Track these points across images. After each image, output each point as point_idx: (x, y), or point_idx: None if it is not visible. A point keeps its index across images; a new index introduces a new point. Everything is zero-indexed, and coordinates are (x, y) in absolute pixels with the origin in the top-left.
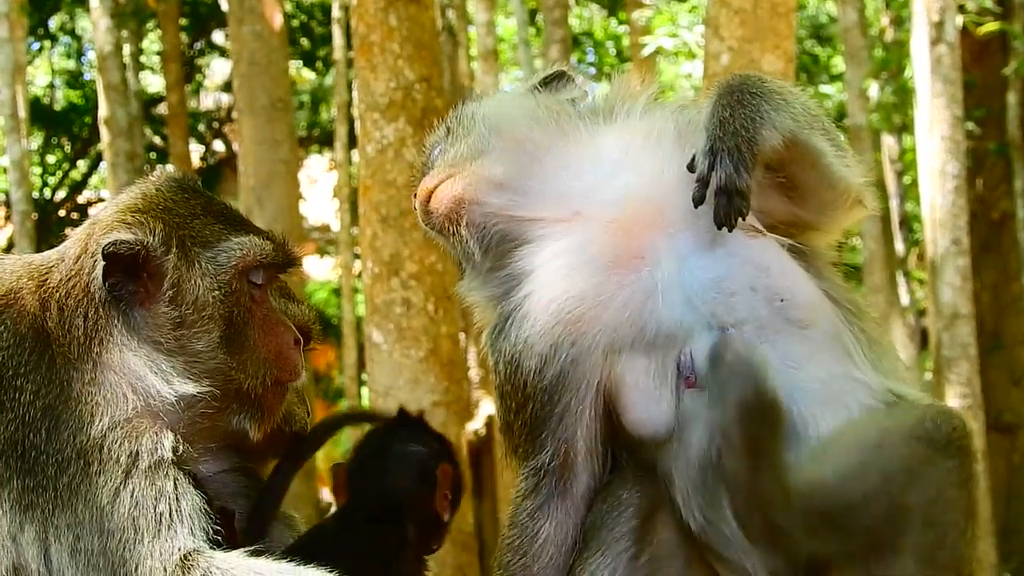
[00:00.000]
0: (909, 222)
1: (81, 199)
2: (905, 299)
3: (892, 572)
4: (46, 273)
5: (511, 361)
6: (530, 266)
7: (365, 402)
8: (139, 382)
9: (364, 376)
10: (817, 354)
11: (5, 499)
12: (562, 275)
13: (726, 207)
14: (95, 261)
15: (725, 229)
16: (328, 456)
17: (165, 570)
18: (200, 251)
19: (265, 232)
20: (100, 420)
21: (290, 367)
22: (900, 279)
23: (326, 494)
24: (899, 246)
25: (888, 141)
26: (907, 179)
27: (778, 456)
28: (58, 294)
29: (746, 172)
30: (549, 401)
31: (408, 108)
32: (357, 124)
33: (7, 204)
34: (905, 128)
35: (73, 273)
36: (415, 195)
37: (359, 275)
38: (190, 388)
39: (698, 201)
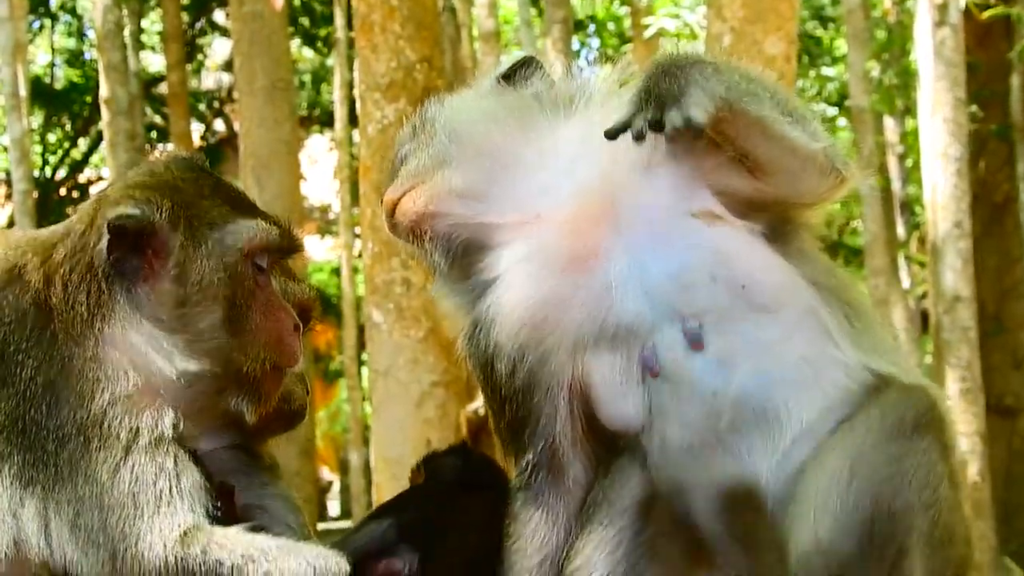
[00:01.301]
0: (911, 205)
1: (81, 178)
2: (906, 282)
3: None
4: (51, 248)
5: (484, 366)
6: (495, 272)
7: (364, 383)
8: (140, 359)
9: (364, 356)
10: (788, 338)
11: (5, 474)
12: (523, 280)
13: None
14: (101, 235)
15: (683, 217)
16: (326, 435)
17: (165, 546)
18: (207, 231)
19: (271, 217)
20: (101, 396)
21: (289, 353)
22: (901, 262)
23: (326, 473)
24: (900, 229)
25: (890, 124)
26: (909, 162)
27: (770, 536)
28: (62, 269)
29: (677, 109)
30: (525, 402)
31: (409, 88)
32: (358, 104)
33: (8, 183)
34: (907, 111)
35: (78, 248)
36: (381, 203)
37: (359, 255)
38: (191, 366)
39: (610, 133)
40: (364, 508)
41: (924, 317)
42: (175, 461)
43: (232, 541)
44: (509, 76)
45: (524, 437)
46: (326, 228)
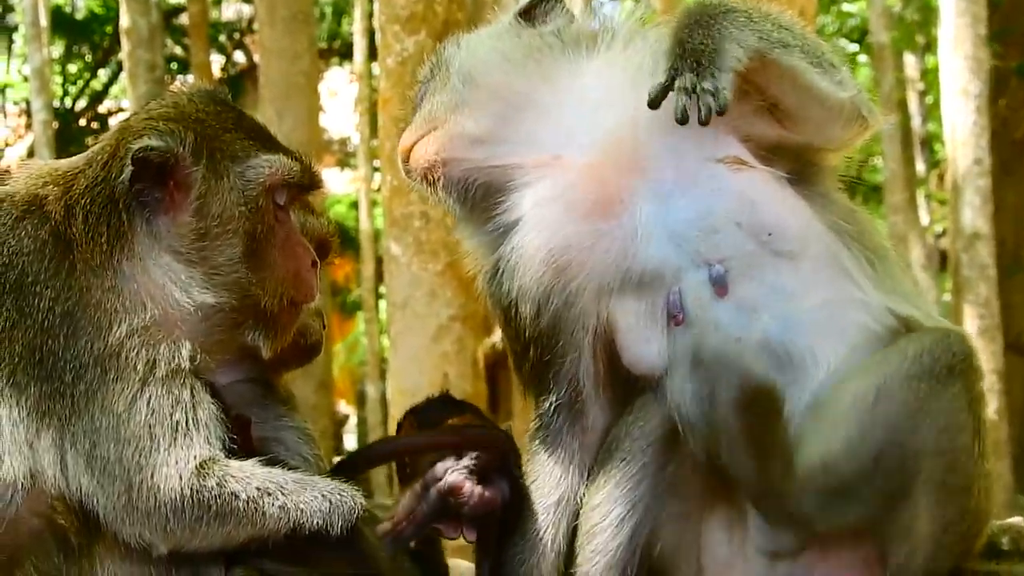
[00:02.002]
0: (930, 142)
1: (101, 108)
2: (925, 219)
3: (910, 514)
4: (72, 179)
5: (507, 308)
6: (516, 214)
7: (382, 316)
8: (158, 291)
9: (382, 289)
10: (812, 283)
11: (23, 405)
12: (547, 223)
13: (688, 102)
14: (124, 165)
15: (708, 163)
16: (343, 368)
17: (181, 478)
18: (229, 165)
19: (293, 152)
20: (119, 327)
21: (306, 288)
22: (920, 199)
23: (343, 406)
24: (920, 166)
25: (910, 60)
26: (929, 99)
27: (782, 443)
28: (83, 200)
29: (711, 76)
30: (549, 345)
31: (429, 20)
32: (378, 36)
33: (28, 113)
34: (928, 47)
35: (100, 179)
36: (399, 147)
37: (378, 188)
38: (208, 298)
39: (654, 103)
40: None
41: (943, 255)
42: (192, 393)
43: (248, 474)
44: (528, 13)
45: (547, 379)
46: (345, 161)
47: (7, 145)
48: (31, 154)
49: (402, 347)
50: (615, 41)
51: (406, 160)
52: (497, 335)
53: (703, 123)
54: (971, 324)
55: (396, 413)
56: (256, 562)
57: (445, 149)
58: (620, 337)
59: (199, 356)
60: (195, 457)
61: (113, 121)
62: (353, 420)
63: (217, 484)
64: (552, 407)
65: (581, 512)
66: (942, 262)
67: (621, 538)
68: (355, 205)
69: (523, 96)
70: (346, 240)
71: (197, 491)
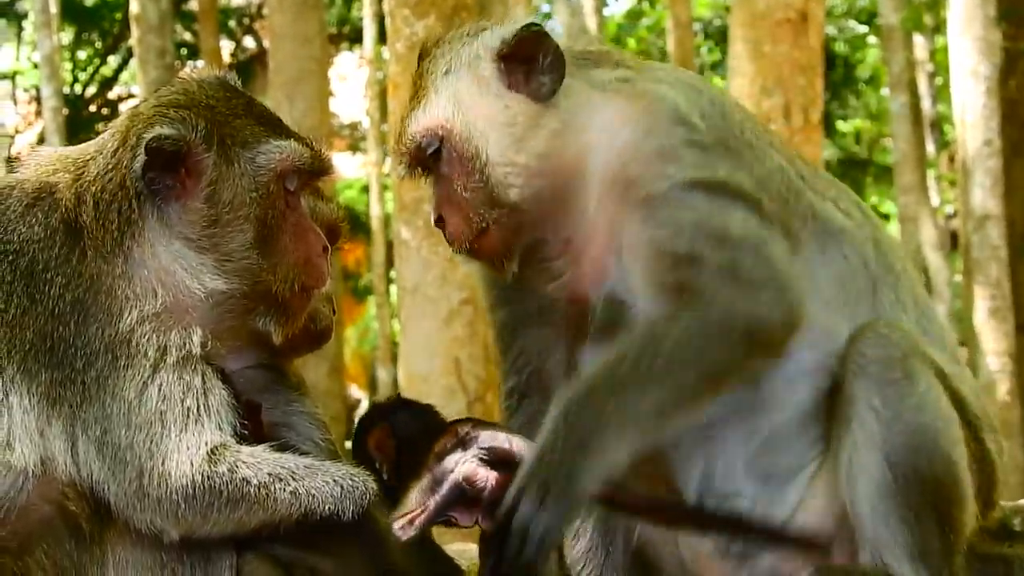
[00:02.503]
0: (940, 123)
1: (111, 95)
2: (935, 200)
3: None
4: (83, 166)
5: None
6: None
7: (393, 300)
8: (169, 277)
9: (393, 273)
10: None
11: (33, 393)
12: None
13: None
14: (135, 155)
15: None
16: (355, 352)
17: (192, 464)
18: (240, 151)
19: (303, 138)
20: (129, 314)
21: (317, 274)
22: (931, 181)
23: (355, 390)
24: (930, 147)
25: (920, 41)
26: (939, 80)
27: None
28: (94, 188)
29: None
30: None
31: (438, 4)
32: (387, 20)
33: (38, 100)
34: (937, 28)
35: (111, 167)
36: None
37: (388, 172)
38: (220, 284)
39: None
40: None
41: (954, 235)
42: (203, 379)
43: (259, 460)
44: (510, 56)
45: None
46: (355, 145)
47: (17, 132)
48: (41, 141)
49: (413, 331)
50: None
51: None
52: None
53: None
54: (982, 305)
55: (408, 396)
56: (267, 548)
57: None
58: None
59: (210, 342)
60: (206, 443)
61: (123, 107)
62: (365, 405)
63: (228, 470)
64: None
65: None
66: (953, 243)
67: (591, 522)
68: (366, 189)
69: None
70: (357, 225)
71: (208, 477)
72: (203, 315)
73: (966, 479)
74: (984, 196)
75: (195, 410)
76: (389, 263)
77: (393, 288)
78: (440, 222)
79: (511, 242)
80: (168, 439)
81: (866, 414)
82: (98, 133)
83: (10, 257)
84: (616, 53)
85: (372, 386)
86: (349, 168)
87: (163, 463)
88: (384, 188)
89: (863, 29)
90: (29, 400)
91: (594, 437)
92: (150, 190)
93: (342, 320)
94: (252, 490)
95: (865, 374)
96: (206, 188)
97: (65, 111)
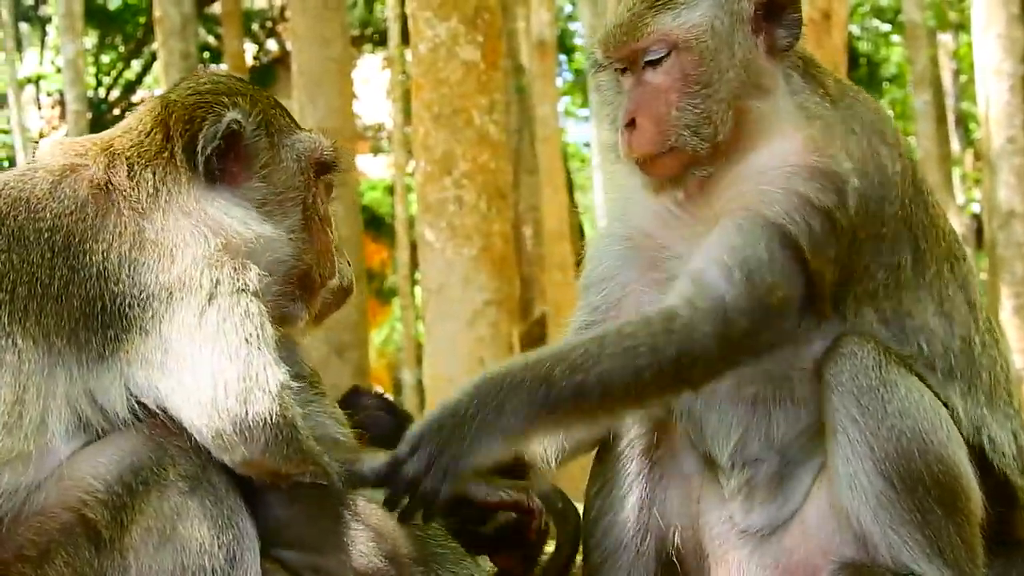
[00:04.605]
0: (965, 121)
1: (135, 98)
2: (960, 198)
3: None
4: (108, 143)
5: None
6: None
7: (417, 302)
8: (217, 224)
9: (417, 275)
10: None
11: (83, 362)
12: None
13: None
14: (190, 137)
15: None
16: (380, 354)
17: (270, 393)
18: (282, 138)
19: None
20: (183, 258)
21: (335, 266)
22: (955, 178)
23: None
24: (955, 145)
25: (944, 39)
26: (963, 78)
27: None
28: (128, 153)
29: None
30: None
31: (460, 6)
32: (410, 22)
33: (62, 103)
34: (961, 26)
35: (144, 144)
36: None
37: (412, 174)
38: (267, 230)
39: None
40: None
41: (979, 233)
42: (260, 311)
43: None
44: (766, 5)
45: None
46: (378, 147)
47: (41, 135)
48: None
49: (437, 332)
50: None
51: None
52: (532, 319)
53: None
54: (1007, 303)
55: (432, 399)
56: (276, 553)
57: None
58: None
59: (264, 281)
60: (276, 378)
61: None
62: None
63: (299, 415)
64: None
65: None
66: (978, 241)
67: (625, 514)
68: (389, 191)
69: None
70: (381, 226)
71: (282, 416)
72: (255, 261)
73: (966, 471)
74: (1009, 193)
75: (256, 336)
76: (414, 265)
77: (418, 290)
78: (631, 125)
79: (689, 170)
80: (235, 359)
81: (848, 425)
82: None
83: (45, 235)
84: (823, 67)
85: (396, 388)
86: (372, 170)
87: (226, 387)
88: (408, 190)
89: (887, 27)
90: (77, 369)
91: (526, 408)
92: (207, 173)
93: (366, 322)
94: (307, 446)
95: (839, 385)
96: (258, 171)
97: (89, 115)
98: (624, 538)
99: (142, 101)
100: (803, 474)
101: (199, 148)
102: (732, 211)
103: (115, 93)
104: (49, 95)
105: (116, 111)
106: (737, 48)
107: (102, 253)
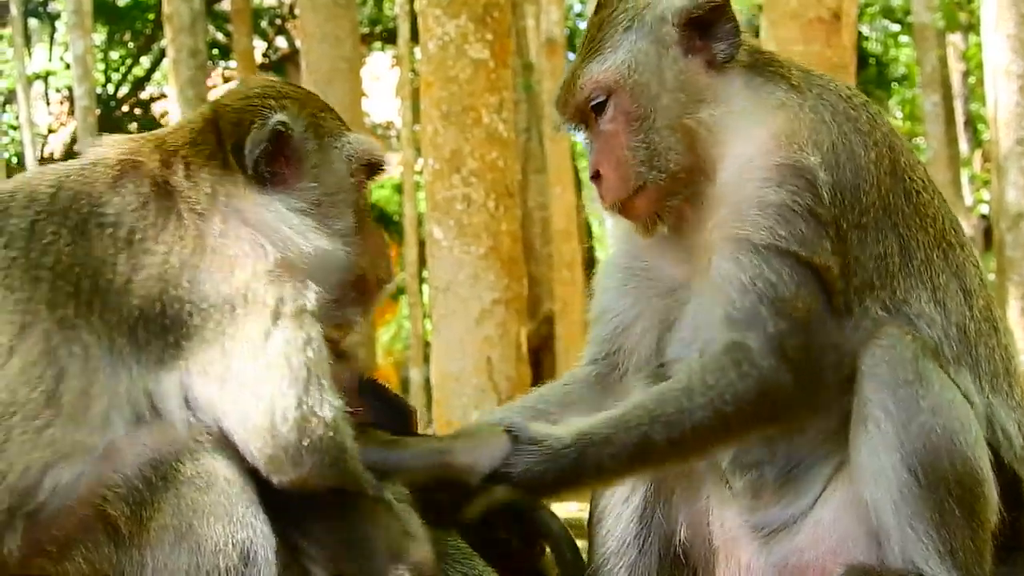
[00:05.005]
0: (974, 122)
1: (143, 95)
2: (969, 199)
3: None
4: (160, 140)
5: None
6: None
7: (425, 300)
8: (276, 234)
9: (425, 273)
10: None
11: (142, 362)
12: None
13: None
14: (239, 139)
15: None
16: (387, 352)
17: (326, 422)
18: (331, 140)
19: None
20: (243, 270)
21: (391, 267)
22: (964, 180)
23: None
24: (963, 146)
25: (953, 40)
26: (972, 79)
27: None
28: (182, 152)
29: None
30: None
31: (470, 4)
32: (419, 20)
33: (70, 99)
34: (970, 27)
35: (199, 144)
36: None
37: (421, 172)
38: (324, 243)
39: None
40: (424, 426)
41: (987, 235)
42: (319, 334)
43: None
44: (694, 20)
45: None
46: (387, 145)
47: (51, 132)
48: (74, 141)
49: (445, 330)
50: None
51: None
52: (540, 318)
53: None
54: (1015, 304)
55: (439, 397)
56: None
57: None
58: None
59: (322, 299)
60: (331, 405)
61: (156, 108)
62: None
63: (351, 442)
64: None
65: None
66: (987, 242)
67: (629, 512)
68: (398, 189)
69: None
70: (389, 224)
71: (335, 440)
72: (314, 277)
73: (988, 476)
74: (1018, 195)
75: (316, 363)
76: (421, 263)
77: (425, 288)
78: (596, 177)
79: (664, 204)
80: (295, 385)
81: (882, 417)
82: (130, 133)
83: (108, 229)
84: (783, 58)
85: (404, 387)
86: None
87: (286, 415)
88: (417, 188)
89: (896, 28)
90: (137, 369)
91: (602, 468)
92: (256, 176)
93: (374, 320)
94: (350, 467)
95: (876, 376)
96: (309, 173)
97: (97, 111)
98: (627, 537)
99: (151, 98)
100: (815, 473)
101: (247, 150)
102: (722, 245)
103: (124, 89)
104: (58, 91)
105: (125, 107)
106: (667, 74)
107: (162, 254)
